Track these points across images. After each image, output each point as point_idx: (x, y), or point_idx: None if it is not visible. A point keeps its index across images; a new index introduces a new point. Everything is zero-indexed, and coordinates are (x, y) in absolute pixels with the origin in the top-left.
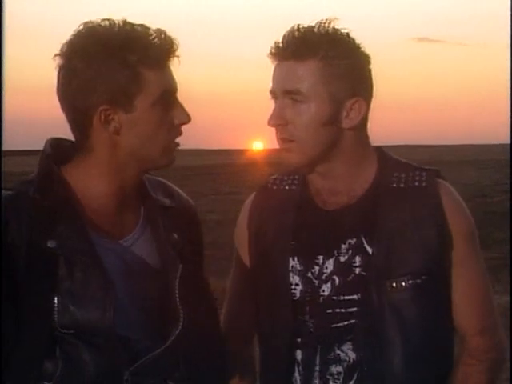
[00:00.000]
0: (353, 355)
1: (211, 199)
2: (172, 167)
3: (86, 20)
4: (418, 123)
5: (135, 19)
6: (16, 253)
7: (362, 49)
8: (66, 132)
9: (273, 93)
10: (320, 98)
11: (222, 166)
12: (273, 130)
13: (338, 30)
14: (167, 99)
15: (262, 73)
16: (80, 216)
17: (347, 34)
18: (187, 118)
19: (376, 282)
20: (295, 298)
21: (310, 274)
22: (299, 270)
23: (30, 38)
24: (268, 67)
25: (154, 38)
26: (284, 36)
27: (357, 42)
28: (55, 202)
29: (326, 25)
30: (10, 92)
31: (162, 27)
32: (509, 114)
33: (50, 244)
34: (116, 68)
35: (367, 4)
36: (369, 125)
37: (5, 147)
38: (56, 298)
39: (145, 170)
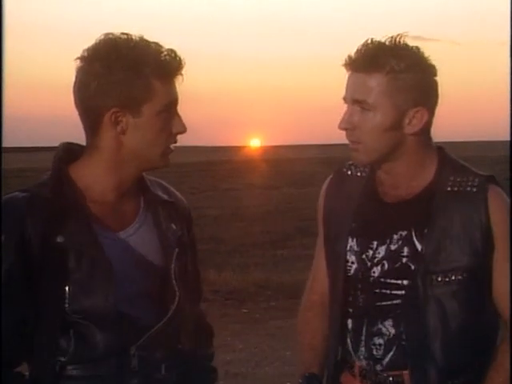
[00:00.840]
0: (392, 331)
1: (209, 195)
2: (172, 164)
3: (96, 21)
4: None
5: (137, 17)
6: (32, 248)
7: (429, 61)
8: (66, 129)
9: (345, 99)
10: (384, 108)
11: (220, 163)
12: (269, 127)
13: (406, 45)
14: (170, 109)
15: (261, 71)
16: (86, 213)
17: (416, 48)
18: (184, 129)
19: (423, 274)
20: (349, 274)
21: (364, 256)
22: (356, 251)
23: (30, 35)
24: (267, 66)
25: (166, 55)
26: (357, 49)
27: (425, 54)
28: (65, 201)
29: (397, 40)
30: (10, 89)
31: (160, 24)
32: (509, 111)
33: (59, 239)
34: (131, 77)
35: (360, 3)
36: None
37: (5, 144)
38: (67, 288)
39: (143, 169)
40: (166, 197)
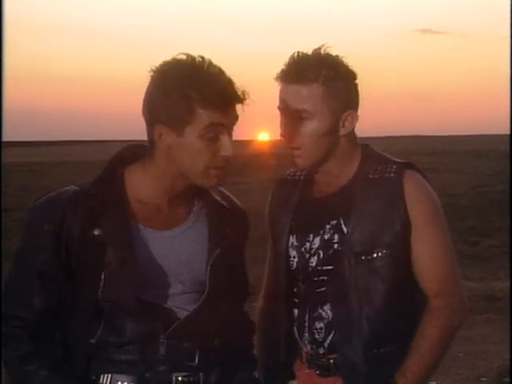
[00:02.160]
0: (331, 314)
1: None
2: None
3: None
4: (422, 114)
5: (136, 15)
6: (72, 240)
7: (350, 67)
8: (67, 126)
9: (281, 109)
10: (322, 115)
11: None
12: (278, 121)
13: (330, 54)
14: (213, 132)
15: (268, 64)
16: (125, 209)
17: (336, 56)
18: (229, 152)
19: (348, 255)
20: (292, 268)
21: (303, 249)
22: (295, 246)
23: (30, 29)
24: (274, 59)
25: (222, 84)
26: (289, 62)
27: (344, 61)
28: (107, 196)
29: (323, 51)
30: (10, 84)
31: (162, 21)
32: (509, 104)
33: (96, 232)
34: (179, 99)
35: None
36: (373, 116)
37: (4, 138)
38: (101, 277)
39: (191, 184)
40: (224, 203)
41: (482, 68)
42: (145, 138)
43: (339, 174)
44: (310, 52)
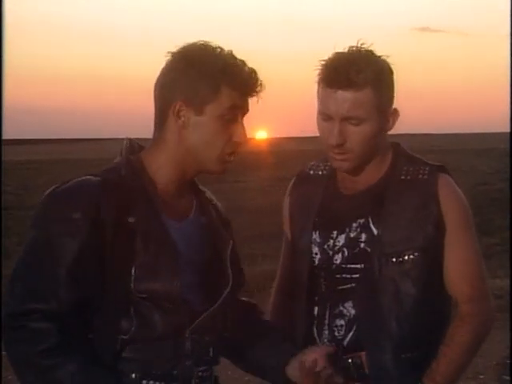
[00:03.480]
0: (352, 311)
1: (217, 188)
2: None
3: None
4: (421, 112)
5: (135, 13)
6: (105, 227)
7: (387, 63)
8: (66, 124)
9: (326, 115)
10: (372, 118)
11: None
12: (277, 119)
13: (372, 53)
14: (234, 117)
15: (268, 62)
16: (154, 197)
17: (371, 51)
18: (244, 139)
19: (378, 256)
20: (314, 265)
21: (326, 246)
22: (318, 242)
23: (30, 29)
24: (273, 57)
25: (245, 72)
26: (332, 65)
27: (381, 57)
28: (137, 185)
29: (362, 50)
30: (10, 82)
31: (160, 21)
32: (509, 103)
33: (130, 219)
34: (201, 76)
35: None
36: None
37: (4, 136)
38: (133, 268)
39: (200, 170)
40: (212, 200)
41: (481, 66)
42: (145, 136)
43: (369, 172)
44: (347, 51)
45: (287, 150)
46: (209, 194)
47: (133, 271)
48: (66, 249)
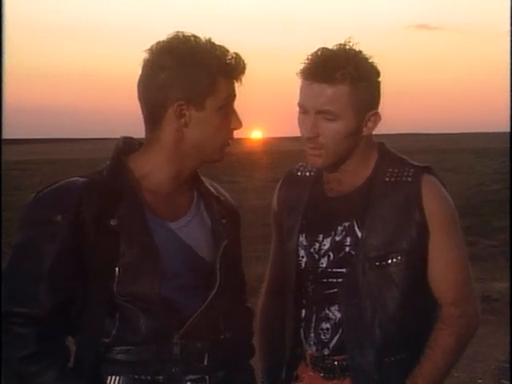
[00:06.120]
0: (338, 315)
1: None
2: None
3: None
4: (418, 111)
5: (134, 11)
6: (86, 230)
7: (373, 63)
8: (66, 123)
9: (303, 108)
10: (346, 116)
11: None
12: (272, 118)
13: (355, 50)
14: (230, 106)
15: (262, 61)
16: (139, 199)
17: (360, 51)
18: (240, 125)
19: (362, 260)
20: (301, 268)
21: (312, 249)
22: (304, 245)
23: (30, 28)
24: (268, 56)
25: (231, 57)
26: (312, 59)
27: (368, 58)
28: (120, 187)
29: (348, 47)
30: (10, 81)
31: (157, 19)
32: (509, 102)
33: (113, 222)
34: (198, 71)
35: None
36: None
37: (5, 136)
38: (116, 270)
39: (201, 162)
40: (217, 194)
41: (479, 64)
42: (138, 135)
43: (354, 173)
44: (333, 47)
45: (283, 150)
46: (215, 189)
47: (116, 274)
48: (47, 252)
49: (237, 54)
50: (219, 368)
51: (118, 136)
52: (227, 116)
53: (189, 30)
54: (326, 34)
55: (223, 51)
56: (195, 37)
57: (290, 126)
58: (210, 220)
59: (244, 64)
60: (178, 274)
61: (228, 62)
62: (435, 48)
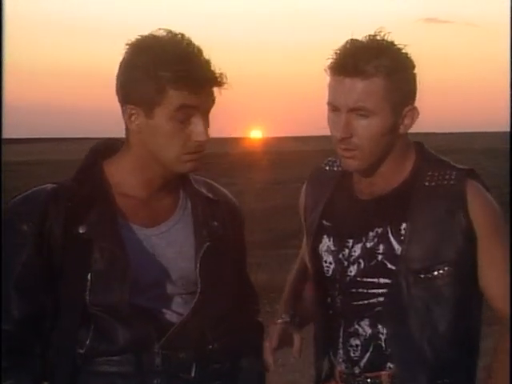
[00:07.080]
0: (369, 331)
1: None
2: None
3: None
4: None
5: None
6: (54, 239)
7: (409, 55)
8: (66, 123)
9: (334, 106)
10: (383, 113)
11: (218, 156)
12: (271, 117)
13: (386, 41)
14: (185, 114)
15: (261, 59)
16: (111, 205)
17: (392, 42)
18: (203, 138)
19: (405, 273)
20: (328, 275)
21: (341, 256)
22: (332, 251)
23: (30, 26)
24: (269, 53)
25: (197, 65)
26: (342, 52)
27: (403, 49)
28: (90, 191)
29: (378, 38)
30: (11, 81)
31: (156, 17)
32: (509, 102)
33: (81, 230)
34: (150, 77)
35: None
36: None
37: (5, 135)
38: (88, 279)
39: (166, 172)
40: (210, 195)
41: (490, 58)
42: None
43: (388, 175)
44: (362, 39)
45: (283, 151)
46: (210, 189)
47: (88, 282)
48: (13, 263)
49: (207, 62)
50: (212, 379)
51: (118, 136)
52: (185, 126)
53: (192, 29)
54: (333, 30)
55: (187, 59)
56: (168, 39)
57: (291, 125)
58: (193, 225)
59: (213, 74)
60: (157, 283)
61: (185, 70)
62: (445, 42)
